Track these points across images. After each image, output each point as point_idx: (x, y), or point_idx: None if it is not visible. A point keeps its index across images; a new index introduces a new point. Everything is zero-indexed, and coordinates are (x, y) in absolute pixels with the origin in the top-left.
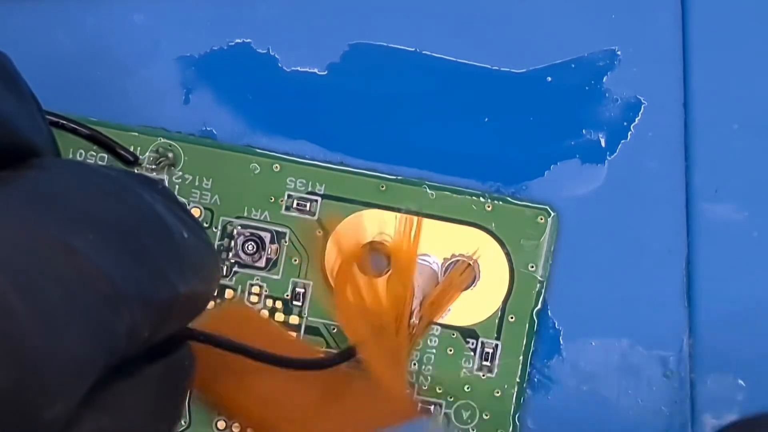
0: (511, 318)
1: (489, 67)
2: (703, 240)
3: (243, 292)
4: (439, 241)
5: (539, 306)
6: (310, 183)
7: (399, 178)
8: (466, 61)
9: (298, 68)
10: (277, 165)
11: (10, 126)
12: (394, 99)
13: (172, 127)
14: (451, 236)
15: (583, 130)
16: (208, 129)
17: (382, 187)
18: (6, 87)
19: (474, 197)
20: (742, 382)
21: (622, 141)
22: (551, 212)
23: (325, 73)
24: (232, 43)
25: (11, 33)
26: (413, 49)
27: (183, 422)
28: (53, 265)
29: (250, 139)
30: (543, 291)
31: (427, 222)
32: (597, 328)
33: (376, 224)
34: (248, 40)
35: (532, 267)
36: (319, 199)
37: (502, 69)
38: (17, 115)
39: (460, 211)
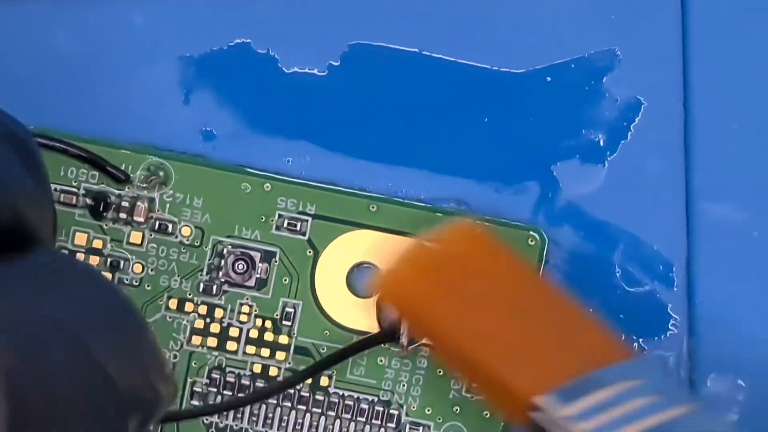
0: None
1: (489, 67)
2: (703, 240)
3: (233, 311)
4: None
5: None
6: (301, 203)
7: (390, 198)
8: (466, 61)
9: (298, 69)
10: (268, 184)
11: (20, 215)
12: (393, 99)
13: (172, 128)
14: None
15: (583, 130)
16: (207, 129)
17: (373, 207)
18: (27, 169)
19: (465, 218)
20: (742, 382)
21: (622, 141)
22: (542, 235)
23: (325, 73)
24: (232, 43)
25: (11, 33)
26: (413, 50)
27: None
28: (71, 362)
29: (250, 140)
30: None
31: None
32: None
33: (367, 245)
34: (248, 40)
35: None
36: (310, 219)
37: (502, 69)
38: (30, 202)
39: None
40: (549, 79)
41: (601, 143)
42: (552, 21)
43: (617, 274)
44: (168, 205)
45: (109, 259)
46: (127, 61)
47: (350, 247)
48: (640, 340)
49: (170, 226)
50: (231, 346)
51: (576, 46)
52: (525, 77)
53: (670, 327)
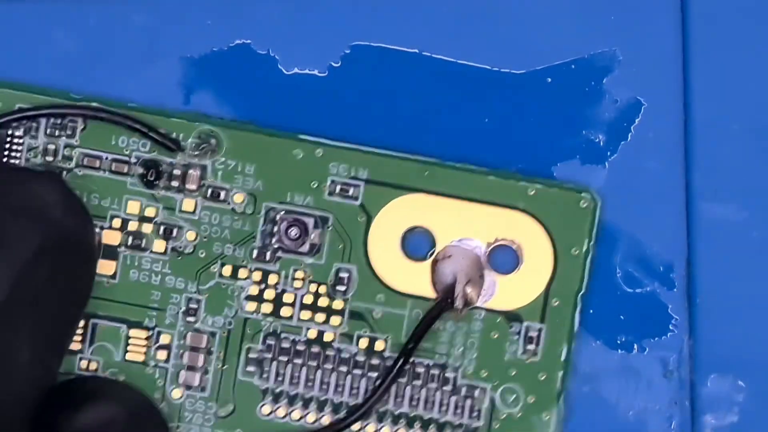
0: (555, 302)
1: (489, 67)
2: (703, 240)
3: (286, 277)
4: (483, 226)
5: (584, 289)
6: (353, 168)
7: (442, 162)
8: (466, 62)
9: (298, 69)
10: (319, 150)
11: None
12: (393, 100)
13: None
14: (495, 220)
15: (583, 131)
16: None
17: (426, 171)
18: None
19: (517, 181)
20: (742, 383)
21: (622, 141)
22: (594, 195)
23: (325, 74)
24: (232, 44)
25: (11, 33)
26: (413, 50)
27: (229, 407)
28: None
29: None
30: (587, 274)
31: (470, 206)
32: (597, 329)
33: (419, 209)
34: (248, 41)
35: (576, 250)
36: (362, 184)
37: (502, 69)
38: None
39: (503, 194)
40: (549, 79)
41: (601, 144)
42: (552, 21)
43: (617, 275)
44: (220, 173)
45: (162, 227)
46: (127, 61)
47: (403, 212)
48: (641, 340)
49: (222, 193)
50: (285, 312)
51: (576, 47)
52: (525, 77)
53: (670, 327)
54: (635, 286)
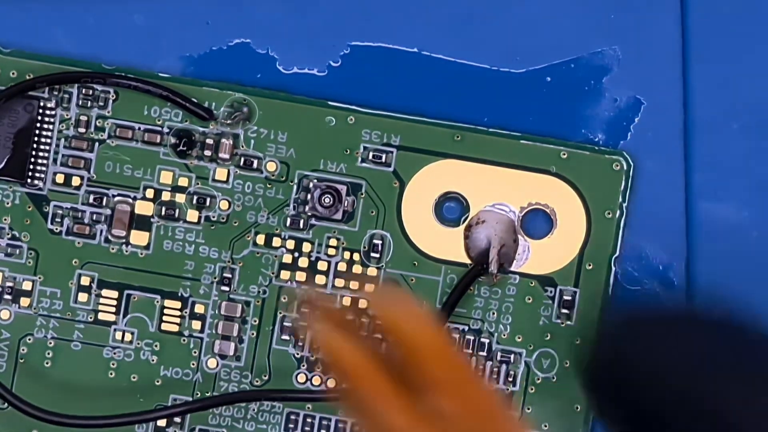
0: (589, 265)
1: (489, 67)
2: (703, 240)
3: (320, 245)
4: (516, 190)
5: (617, 253)
6: (385, 134)
7: (474, 127)
8: (466, 62)
9: (298, 69)
10: (351, 117)
11: None
12: (393, 99)
13: None
14: (528, 184)
15: (583, 130)
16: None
17: (457, 137)
18: None
19: (549, 145)
20: None
21: (622, 141)
22: (627, 160)
23: (325, 73)
24: (232, 43)
25: (11, 33)
26: (413, 50)
27: (264, 376)
28: None
29: None
30: (620, 238)
31: (503, 171)
32: None
33: (452, 175)
34: (248, 41)
35: (609, 214)
36: (395, 150)
37: (502, 69)
38: None
39: (535, 158)
40: (549, 79)
41: (601, 143)
42: (552, 21)
43: (617, 274)
44: (252, 141)
45: (195, 197)
46: (127, 61)
47: (436, 178)
48: None
49: (255, 161)
50: (320, 279)
51: (576, 46)
52: (525, 77)
53: None
54: (635, 285)
